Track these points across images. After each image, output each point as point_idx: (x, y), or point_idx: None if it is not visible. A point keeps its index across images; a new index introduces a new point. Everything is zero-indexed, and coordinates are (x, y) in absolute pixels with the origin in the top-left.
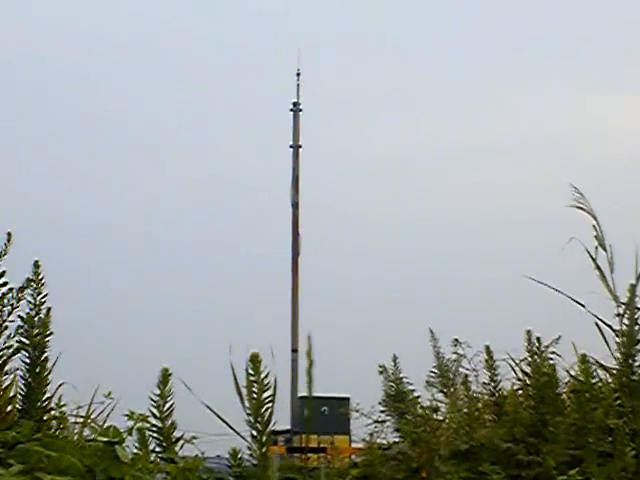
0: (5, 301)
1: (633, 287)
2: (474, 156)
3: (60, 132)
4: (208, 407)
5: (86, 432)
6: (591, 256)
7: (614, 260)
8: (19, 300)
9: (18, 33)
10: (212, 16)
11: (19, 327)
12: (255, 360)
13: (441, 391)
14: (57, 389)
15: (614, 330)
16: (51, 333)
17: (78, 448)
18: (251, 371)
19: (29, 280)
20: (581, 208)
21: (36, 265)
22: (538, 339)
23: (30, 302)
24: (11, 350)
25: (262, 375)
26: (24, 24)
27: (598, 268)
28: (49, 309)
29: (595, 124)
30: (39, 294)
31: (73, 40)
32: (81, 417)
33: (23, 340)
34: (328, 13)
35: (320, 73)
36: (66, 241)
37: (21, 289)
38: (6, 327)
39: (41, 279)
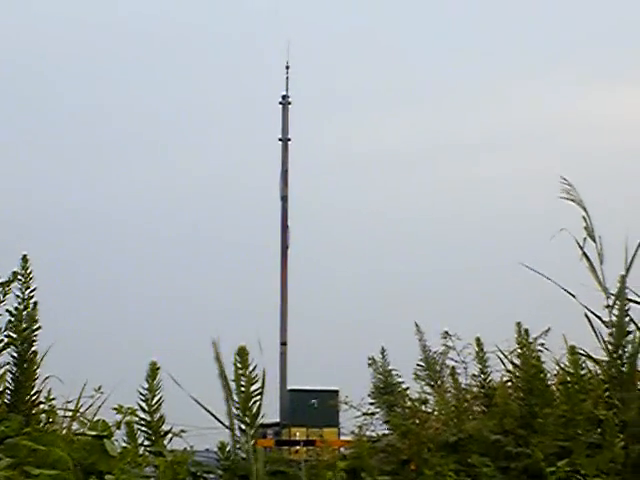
0: None
1: (623, 278)
2: (467, 149)
3: (57, 127)
4: (196, 401)
5: (75, 426)
6: (580, 247)
7: (604, 251)
8: (5, 294)
9: (18, 27)
10: (201, 9)
11: (8, 322)
12: (243, 353)
13: (428, 384)
14: (44, 381)
15: (604, 321)
16: (39, 327)
17: (67, 442)
18: (239, 364)
19: (15, 274)
20: (571, 199)
21: (24, 259)
22: (526, 331)
23: (18, 296)
24: (0, 345)
25: (250, 368)
26: (25, 18)
27: (587, 259)
28: (36, 303)
29: (594, 115)
30: (27, 288)
31: (72, 35)
32: (70, 411)
33: (11, 334)
34: (318, 5)
35: (310, 66)
36: (54, 235)
37: (7, 283)
38: None
39: (29, 273)
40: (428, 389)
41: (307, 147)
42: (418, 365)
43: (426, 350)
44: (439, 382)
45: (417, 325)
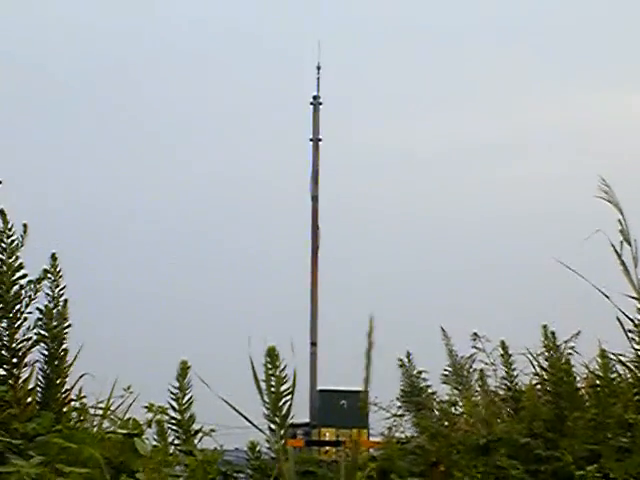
0: (23, 293)
1: None
2: (499, 150)
3: (78, 129)
4: (225, 401)
5: (106, 424)
6: (615, 250)
7: (639, 255)
8: (37, 292)
9: (39, 30)
10: (229, 10)
11: (38, 319)
12: (272, 353)
13: (455, 388)
14: (77, 381)
15: (636, 325)
16: (69, 325)
17: (98, 440)
18: (269, 364)
19: (46, 271)
20: (608, 201)
21: (53, 257)
22: (553, 334)
23: (48, 294)
24: (30, 342)
25: (280, 368)
26: (44, 22)
27: (622, 262)
28: (66, 301)
29: (628, 116)
30: (57, 286)
31: (85, 37)
32: (101, 409)
33: (42, 332)
34: (349, 5)
35: (341, 66)
36: (86, 234)
37: (38, 281)
38: (25, 319)
39: (59, 271)
40: (456, 391)
41: (338, 147)
42: (445, 370)
43: (453, 354)
44: (467, 386)
45: (443, 330)
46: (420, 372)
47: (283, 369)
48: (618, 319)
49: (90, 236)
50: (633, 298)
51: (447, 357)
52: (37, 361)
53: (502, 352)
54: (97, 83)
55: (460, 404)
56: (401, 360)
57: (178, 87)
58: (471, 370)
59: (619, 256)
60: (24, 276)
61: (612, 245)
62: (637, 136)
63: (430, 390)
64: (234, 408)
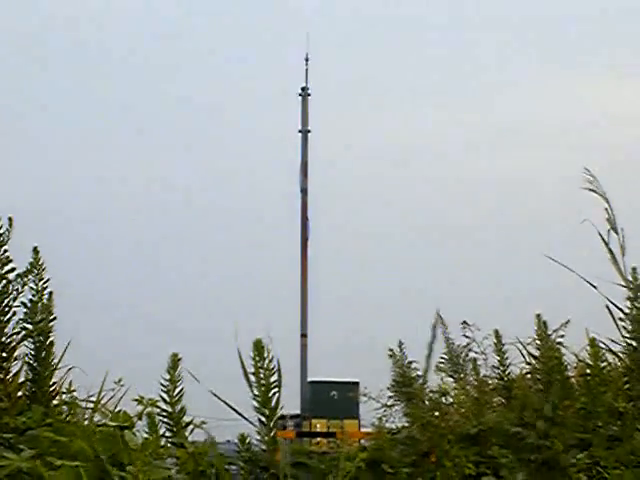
0: (11, 287)
1: (635, 270)
2: (490, 141)
3: (70, 122)
4: (215, 395)
5: (96, 417)
6: (603, 239)
7: (626, 243)
8: (24, 285)
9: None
10: (218, 3)
11: (24, 313)
12: (259, 346)
13: (451, 376)
14: (65, 374)
15: (624, 313)
16: (55, 318)
17: (88, 433)
18: (256, 357)
19: (31, 265)
20: (593, 191)
21: (35, 251)
22: (545, 323)
23: (32, 288)
24: (20, 336)
25: (267, 361)
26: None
27: (610, 251)
28: (51, 293)
29: (623, 108)
30: (40, 280)
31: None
32: (91, 402)
33: (27, 326)
34: None
35: (330, 58)
36: (73, 227)
37: (24, 274)
38: (14, 313)
39: (41, 265)
40: (449, 381)
41: (327, 139)
42: (441, 357)
43: (449, 342)
44: (461, 375)
45: (440, 316)
46: (410, 362)
47: (271, 361)
48: (607, 308)
49: (76, 229)
50: (622, 286)
51: (443, 344)
52: (26, 355)
53: (495, 341)
54: (87, 79)
55: (452, 394)
56: (391, 350)
57: (164, 78)
58: (467, 359)
59: (607, 245)
60: (12, 270)
61: (599, 234)
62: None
63: (422, 379)
64: (224, 401)
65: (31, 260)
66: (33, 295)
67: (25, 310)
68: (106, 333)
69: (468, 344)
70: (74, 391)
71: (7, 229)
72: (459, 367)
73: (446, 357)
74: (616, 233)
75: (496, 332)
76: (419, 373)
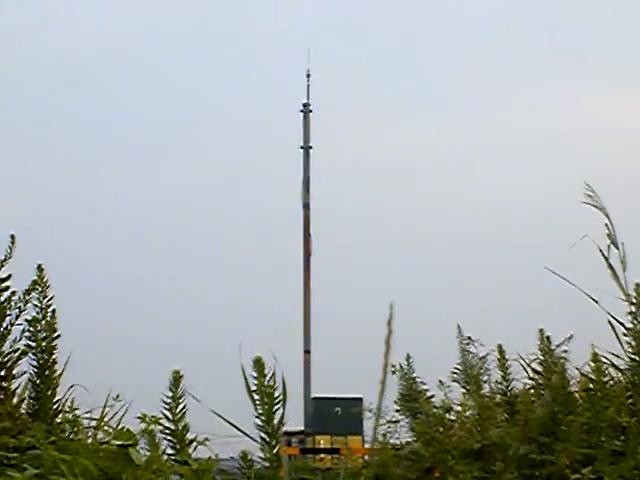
0: (13, 304)
1: (639, 286)
2: (488, 154)
3: (72, 130)
4: (217, 414)
5: (100, 435)
6: (603, 254)
7: (627, 258)
8: (26, 303)
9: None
10: (219, 17)
11: (24, 330)
12: (259, 364)
13: (464, 387)
14: (67, 391)
15: (626, 328)
16: (58, 335)
17: (92, 451)
18: (257, 375)
19: (35, 282)
20: (594, 206)
21: (39, 269)
22: (548, 338)
23: (36, 305)
24: (17, 354)
25: (268, 378)
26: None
27: (610, 266)
28: (54, 311)
29: (613, 119)
30: (45, 297)
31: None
32: (94, 420)
33: (30, 343)
34: (338, 13)
35: (331, 74)
36: (76, 242)
37: (27, 292)
38: (10, 332)
39: (46, 282)
40: (455, 396)
41: (329, 155)
42: (456, 369)
43: (465, 354)
44: (474, 387)
45: (459, 327)
46: (414, 378)
47: (272, 378)
48: (609, 323)
49: (82, 244)
50: (623, 301)
51: (460, 355)
52: (25, 372)
53: (499, 356)
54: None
55: (457, 409)
56: (395, 365)
57: (165, 95)
58: (482, 371)
59: (607, 260)
60: (7, 288)
61: (600, 249)
62: (619, 140)
63: (427, 395)
64: (226, 420)
65: (35, 277)
66: (37, 312)
67: (27, 327)
68: (107, 350)
69: (483, 357)
70: (77, 409)
71: (9, 246)
72: (472, 379)
73: (460, 369)
74: (616, 248)
75: (499, 347)
76: (425, 387)
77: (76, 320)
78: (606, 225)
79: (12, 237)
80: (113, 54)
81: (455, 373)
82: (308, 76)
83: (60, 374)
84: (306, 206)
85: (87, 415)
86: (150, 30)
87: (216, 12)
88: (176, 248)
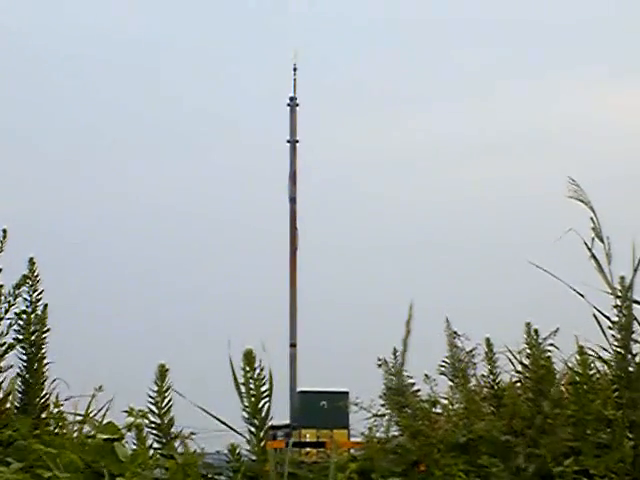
0: (2, 298)
1: (623, 279)
2: (479, 149)
3: (55, 131)
4: (202, 409)
5: (85, 429)
6: (588, 248)
7: (612, 252)
8: (16, 297)
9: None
10: (206, 12)
11: (12, 323)
12: (249, 356)
13: (452, 381)
14: (51, 384)
15: (612, 322)
16: (48, 329)
17: (78, 445)
18: (246, 367)
19: (25, 277)
20: (579, 200)
21: (31, 262)
22: (536, 331)
23: (26, 299)
24: (5, 347)
25: (257, 371)
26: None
27: (595, 259)
28: (46, 305)
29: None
30: (35, 291)
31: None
32: (80, 414)
33: (19, 337)
34: (326, 5)
35: (318, 67)
36: (63, 235)
37: (17, 286)
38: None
39: (37, 276)
40: (441, 389)
41: (315, 148)
42: (444, 362)
43: (453, 347)
44: (462, 380)
45: (448, 321)
46: (400, 372)
47: (261, 371)
48: (594, 316)
49: (69, 237)
50: (609, 294)
51: (447, 348)
52: (11, 366)
53: (486, 349)
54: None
55: (443, 402)
56: (380, 359)
57: (152, 88)
58: (470, 364)
59: (592, 253)
60: None
61: (585, 243)
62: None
63: (414, 388)
64: (211, 415)
65: (26, 271)
66: (27, 306)
67: (18, 320)
68: (94, 343)
69: (471, 350)
70: (62, 403)
71: (0, 240)
72: (460, 372)
73: (448, 362)
74: (601, 242)
75: (487, 340)
76: (412, 381)
77: (66, 314)
78: (591, 219)
79: (4, 231)
80: (107, 49)
81: (443, 366)
82: (295, 70)
83: (48, 368)
84: (292, 200)
85: (73, 409)
86: (139, 25)
87: (201, 6)
88: (161, 241)
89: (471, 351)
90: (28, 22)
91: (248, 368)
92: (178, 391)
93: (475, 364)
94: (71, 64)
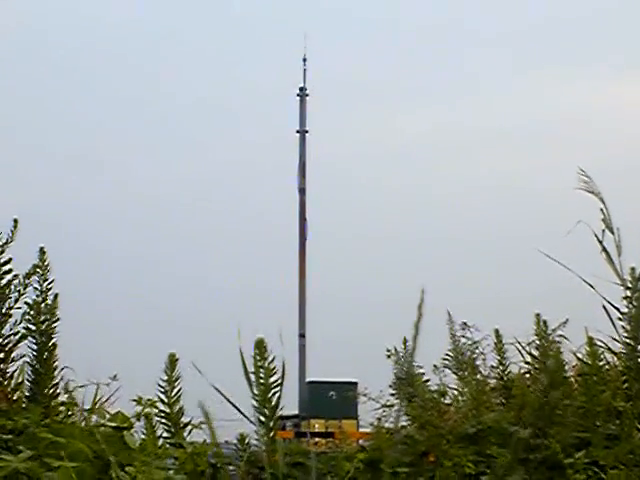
0: (12, 288)
1: (634, 270)
2: (487, 140)
3: (70, 124)
4: (218, 391)
5: (94, 418)
6: (598, 239)
7: (622, 243)
8: (26, 287)
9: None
10: (215, 4)
11: (24, 313)
12: (261, 345)
13: (455, 373)
14: (60, 372)
15: (621, 313)
16: (58, 319)
17: (86, 434)
18: (257, 356)
19: (35, 266)
20: (589, 191)
21: (42, 252)
22: (545, 322)
23: (37, 289)
24: (17, 337)
25: (268, 360)
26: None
27: (605, 251)
28: (57, 295)
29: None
30: (45, 280)
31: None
32: (89, 403)
33: (29, 326)
34: None
35: (328, 58)
36: (72, 226)
37: (28, 275)
38: (10, 315)
39: (47, 265)
40: (450, 380)
41: (325, 139)
42: (447, 355)
43: (455, 340)
44: (466, 372)
45: (449, 313)
46: (409, 362)
47: (272, 361)
48: (604, 308)
49: (77, 228)
50: (619, 285)
51: (449, 342)
52: (24, 355)
53: (496, 340)
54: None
55: (451, 393)
56: (390, 350)
57: (162, 79)
58: (472, 356)
59: (602, 245)
60: (9, 271)
61: (595, 234)
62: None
63: (423, 378)
64: (226, 398)
65: (36, 261)
66: (37, 296)
67: (28, 310)
68: (105, 333)
69: (475, 342)
70: (72, 391)
71: (11, 231)
72: (463, 365)
73: (451, 355)
74: (612, 233)
75: (496, 331)
76: (421, 371)
77: (76, 303)
78: (601, 210)
79: (15, 221)
80: (110, 46)
81: (446, 359)
82: (304, 60)
83: (57, 357)
84: (302, 191)
85: (82, 398)
86: (146, 18)
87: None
88: (172, 232)
89: (474, 343)
90: (28, 17)
91: (259, 357)
92: (192, 373)
93: (483, 354)
94: (75, 58)
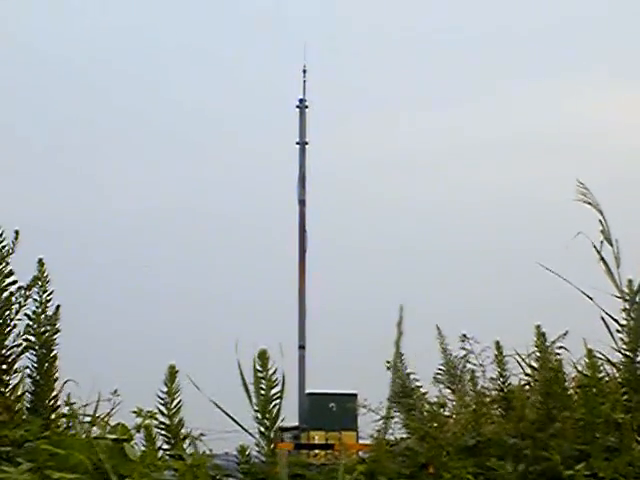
0: (13, 299)
1: (631, 282)
2: (486, 152)
3: (64, 132)
4: (216, 405)
5: (94, 430)
6: (597, 250)
7: (620, 255)
8: (27, 298)
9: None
10: (215, 14)
11: (28, 326)
12: (263, 357)
13: (448, 387)
14: (63, 385)
15: (620, 325)
16: (58, 330)
17: (86, 446)
18: (259, 367)
19: (36, 278)
20: (587, 202)
21: (40, 263)
22: (544, 334)
23: (36, 300)
24: (20, 349)
25: (270, 371)
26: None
27: (604, 262)
28: (58, 306)
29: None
30: (45, 292)
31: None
32: (89, 415)
33: (30, 338)
34: (335, 8)
35: (328, 69)
36: (74, 240)
37: (28, 287)
38: (14, 325)
39: (46, 277)
40: (447, 392)
41: (325, 151)
42: (439, 369)
43: (447, 354)
44: (459, 386)
45: (439, 328)
46: (409, 374)
47: (273, 372)
48: (602, 319)
49: (79, 241)
50: (617, 297)
51: (441, 356)
52: (27, 367)
53: (496, 352)
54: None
55: (450, 405)
56: (389, 362)
57: (160, 89)
58: (464, 370)
59: (601, 256)
60: (14, 282)
61: (594, 246)
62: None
63: (421, 391)
64: (224, 411)
65: (36, 272)
66: (37, 307)
67: (29, 322)
68: (104, 345)
69: (465, 355)
70: (73, 403)
71: (12, 241)
72: (456, 378)
73: (443, 369)
74: (610, 245)
75: (497, 343)
76: (418, 384)
77: (75, 315)
78: (600, 222)
79: (16, 232)
80: (109, 55)
81: (439, 374)
82: (304, 72)
83: (58, 369)
84: (302, 202)
85: (82, 410)
86: (144, 26)
87: (210, 7)
88: (171, 244)
89: (467, 354)
90: (28, 23)
91: (261, 368)
92: (193, 385)
93: (482, 366)
94: (75, 66)
